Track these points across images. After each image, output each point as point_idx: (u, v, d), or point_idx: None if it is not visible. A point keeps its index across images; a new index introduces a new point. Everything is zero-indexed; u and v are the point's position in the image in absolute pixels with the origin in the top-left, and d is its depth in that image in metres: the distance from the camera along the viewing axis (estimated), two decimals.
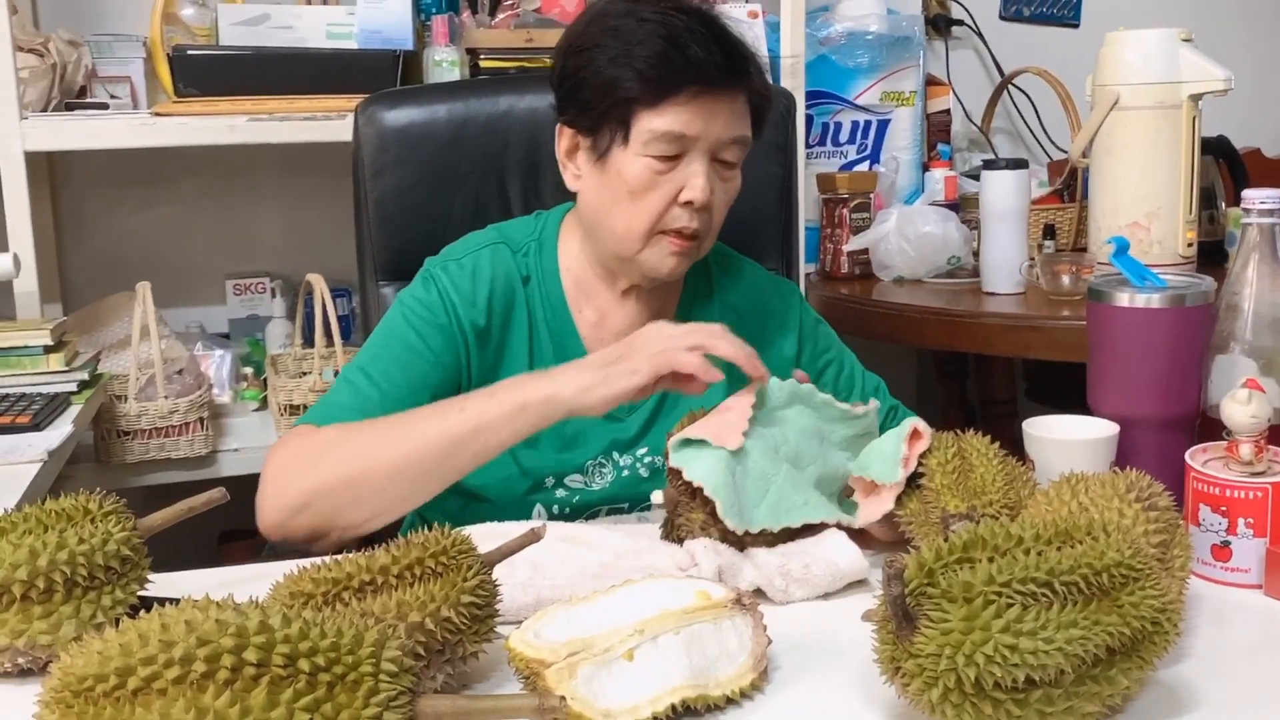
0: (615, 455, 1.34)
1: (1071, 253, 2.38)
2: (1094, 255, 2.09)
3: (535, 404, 1.14)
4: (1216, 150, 2.53)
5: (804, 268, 2.37)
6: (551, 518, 1.30)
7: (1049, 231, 2.42)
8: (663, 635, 0.84)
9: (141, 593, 0.94)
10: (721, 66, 1.23)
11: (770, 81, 1.33)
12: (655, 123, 1.22)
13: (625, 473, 1.34)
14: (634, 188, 1.24)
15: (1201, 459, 1.08)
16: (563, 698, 0.77)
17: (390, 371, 1.27)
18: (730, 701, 0.86)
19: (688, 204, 1.24)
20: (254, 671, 0.69)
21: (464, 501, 1.30)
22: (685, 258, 1.28)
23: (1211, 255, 2.26)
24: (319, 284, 2.13)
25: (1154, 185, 2.01)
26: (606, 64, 1.23)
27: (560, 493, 1.31)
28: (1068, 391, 2.07)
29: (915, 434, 1.09)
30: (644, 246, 1.27)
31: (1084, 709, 0.78)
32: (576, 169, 1.31)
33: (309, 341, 2.26)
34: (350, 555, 0.87)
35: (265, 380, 2.27)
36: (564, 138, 1.31)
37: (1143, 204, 2.02)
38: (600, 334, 1.36)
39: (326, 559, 0.88)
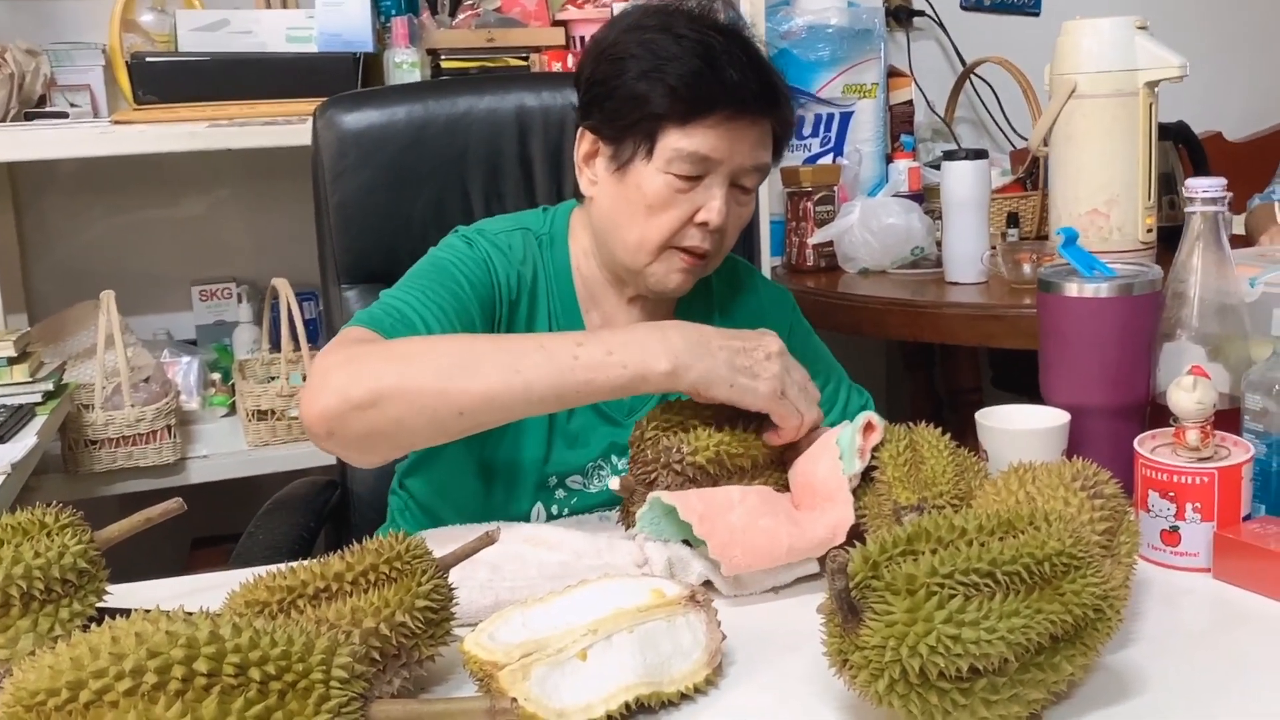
0: (614, 459, 1.34)
1: (1033, 241, 2.40)
2: (1055, 243, 2.10)
3: (655, 379, 1.09)
4: (1176, 135, 2.56)
5: (770, 261, 2.38)
6: (550, 519, 1.30)
7: (1012, 220, 2.44)
8: (616, 634, 0.85)
9: (100, 604, 0.94)
10: (755, 93, 1.22)
11: (794, 110, 1.33)
12: (682, 142, 1.22)
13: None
14: (652, 203, 1.24)
15: (1149, 445, 1.09)
16: (515, 700, 0.78)
17: (428, 299, 1.21)
18: (685, 697, 0.87)
19: (703, 225, 1.24)
20: (205, 681, 0.69)
21: (479, 483, 1.30)
22: (691, 275, 1.28)
23: (1172, 240, 2.26)
24: (284, 288, 2.13)
25: (1113, 172, 2.02)
26: (638, 76, 1.22)
27: (560, 493, 1.31)
28: (1033, 379, 2.10)
29: (869, 426, 1.10)
30: (654, 260, 1.26)
31: (1029, 696, 0.79)
32: (593, 174, 1.30)
33: (276, 346, 2.26)
34: (305, 563, 0.88)
35: (233, 386, 2.27)
36: (584, 142, 1.30)
37: (1102, 191, 2.03)
38: None
39: (281, 567, 0.89)
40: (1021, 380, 2.54)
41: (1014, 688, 0.78)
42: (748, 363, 1.11)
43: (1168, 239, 2.22)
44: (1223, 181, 1.14)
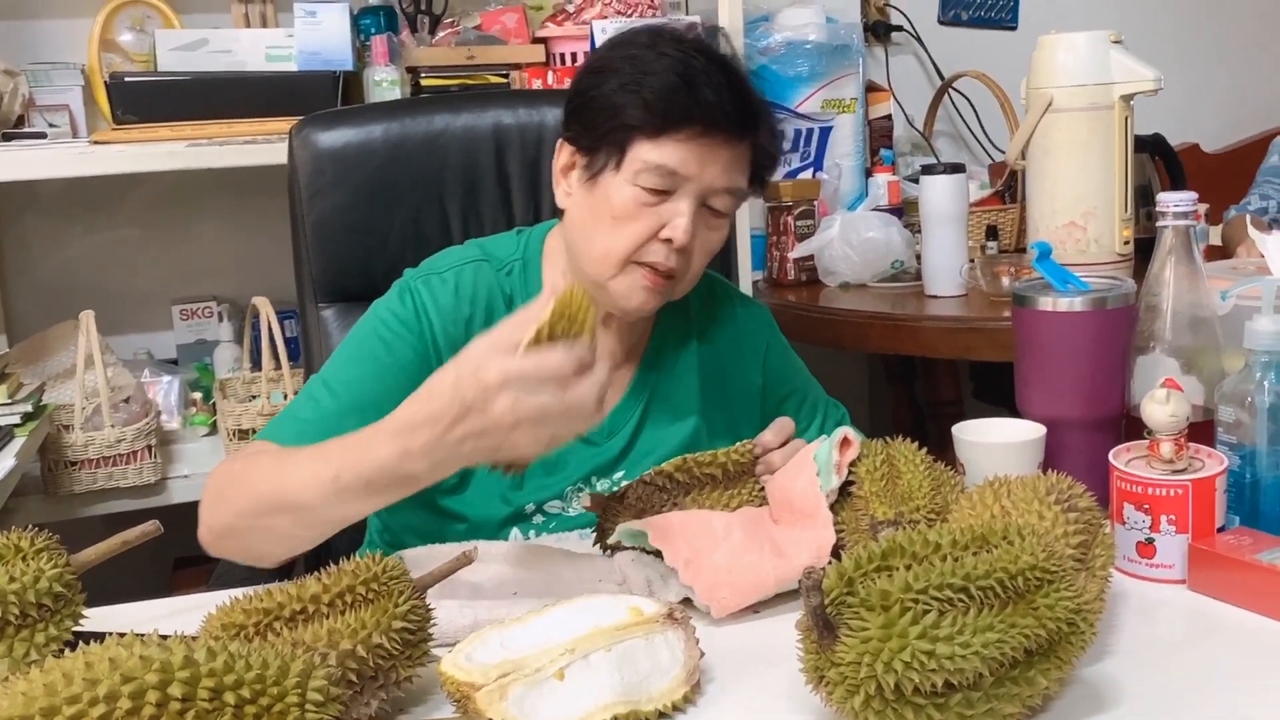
0: (594, 480, 1.33)
1: (1012, 254, 2.42)
2: (1032, 257, 2.11)
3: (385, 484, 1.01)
4: (1152, 148, 2.57)
5: (751, 275, 2.39)
6: None
7: (991, 233, 2.45)
8: (594, 653, 0.85)
9: (77, 629, 0.94)
10: (729, 114, 1.22)
11: (781, 144, 1.33)
12: (650, 154, 1.22)
13: None
14: (618, 213, 1.24)
15: (1124, 458, 1.10)
16: None
17: (353, 384, 1.23)
18: (663, 716, 0.87)
19: (668, 241, 1.23)
20: (179, 706, 0.69)
21: (441, 522, 1.29)
22: (656, 294, 1.27)
23: (1149, 252, 2.28)
24: (265, 307, 2.13)
25: (1089, 185, 2.04)
26: (616, 88, 1.23)
27: (538, 519, 1.31)
28: (1012, 391, 2.11)
29: (845, 442, 1.10)
30: (618, 274, 1.26)
31: (1004, 710, 0.80)
32: (568, 186, 1.30)
33: (258, 365, 2.25)
34: (281, 585, 0.88)
35: (214, 405, 2.27)
36: (563, 153, 1.31)
37: (1079, 204, 2.05)
38: None
39: (259, 589, 0.89)
40: (1003, 392, 2.54)
41: (989, 702, 0.79)
42: (460, 411, 0.97)
43: (1145, 250, 2.22)
44: (1193, 196, 1.15)
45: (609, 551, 1.11)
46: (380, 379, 1.24)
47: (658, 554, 1.06)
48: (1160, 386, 1.07)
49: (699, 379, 1.39)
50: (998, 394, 2.61)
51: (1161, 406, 1.06)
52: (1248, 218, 2.20)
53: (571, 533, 1.28)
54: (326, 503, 1.02)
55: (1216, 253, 2.26)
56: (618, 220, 1.24)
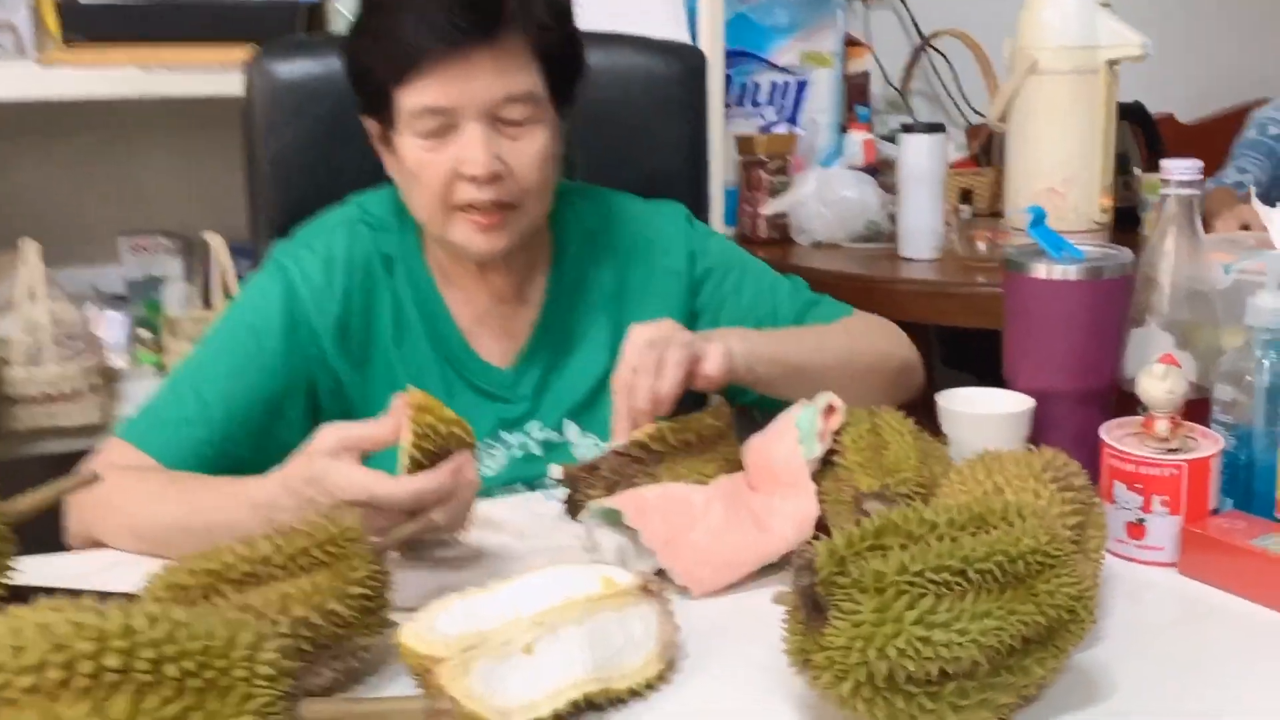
0: (504, 435, 1.28)
1: (988, 217, 2.38)
2: (1010, 221, 2.08)
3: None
4: (1131, 116, 2.54)
5: (724, 230, 2.33)
6: None
7: (965, 197, 2.41)
8: (564, 626, 0.80)
9: (7, 581, 0.87)
10: (459, 24, 1.12)
11: (568, 13, 1.22)
12: (408, 101, 1.15)
13: (518, 452, 1.28)
14: (413, 169, 1.17)
15: (1116, 435, 1.06)
16: (454, 699, 0.73)
17: (218, 381, 1.19)
18: (635, 694, 0.82)
19: (472, 179, 1.16)
20: (115, 678, 0.63)
21: None
22: (498, 232, 1.18)
23: (1125, 221, 2.26)
24: (217, 243, 2.05)
25: (1070, 151, 1.99)
26: (364, 49, 1.18)
27: None
28: (984, 358, 2.07)
29: (830, 409, 1.05)
30: (447, 224, 1.19)
31: (998, 700, 0.76)
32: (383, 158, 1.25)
33: (209, 303, 2.17)
34: (230, 544, 0.82)
35: (163, 344, 2.19)
36: (367, 125, 1.24)
37: (1059, 170, 2.01)
38: (472, 311, 1.29)
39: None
40: (973, 359, 2.52)
41: (983, 692, 0.75)
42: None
43: (1122, 220, 2.20)
44: (1199, 164, 1.11)
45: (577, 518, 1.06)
46: (246, 374, 1.20)
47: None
48: (1158, 361, 1.03)
49: (610, 305, 1.32)
50: (967, 361, 2.58)
51: (1159, 382, 1.02)
52: (1249, 192, 2.16)
53: (535, 493, 1.22)
54: (195, 546, 0.95)
55: None
56: (417, 176, 1.18)
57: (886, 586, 0.73)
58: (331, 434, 0.95)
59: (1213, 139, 2.86)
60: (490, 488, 1.25)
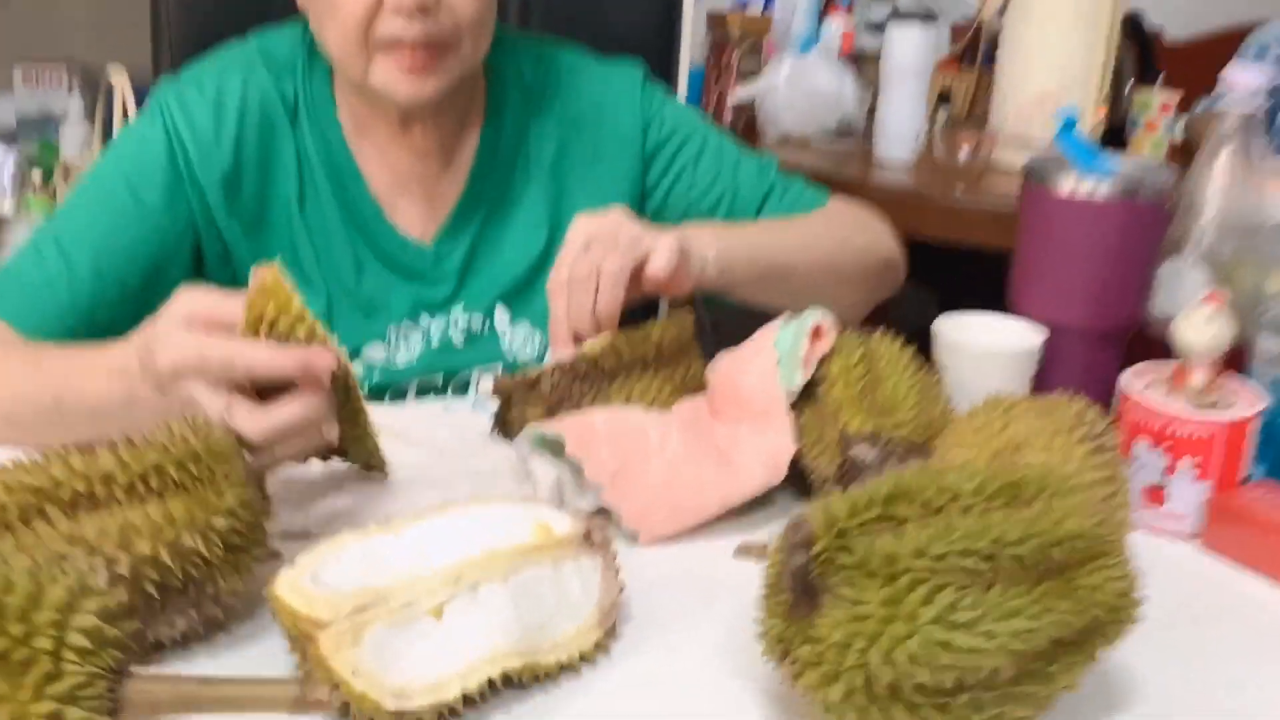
0: (423, 319, 1.11)
1: (969, 119, 2.21)
2: (997, 128, 1.92)
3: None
4: (1125, 29, 2.38)
5: None
6: None
7: (942, 98, 2.24)
8: (485, 584, 0.64)
9: None
10: None
11: None
12: None
13: (435, 341, 1.11)
14: None
15: (1140, 383, 0.91)
16: (337, 679, 0.56)
17: (87, 240, 1.03)
18: (566, 669, 0.67)
19: (398, 7, 0.98)
20: None
21: None
22: (427, 76, 1.02)
23: (1112, 138, 2.12)
24: (121, 79, 1.82)
25: (1069, 57, 1.85)
26: None
27: (356, 369, 1.06)
28: (951, 275, 1.92)
29: (818, 331, 0.89)
30: (367, 64, 1.01)
31: (1013, 714, 0.61)
32: None
33: None
34: (63, 452, 0.64)
35: (55, 189, 1.98)
36: None
37: (1054, 76, 1.86)
38: (388, 173, 1.11)
39: (35, 457, 0.65)
40: (938, 276, 2.38)
41: (1001, 704, 0.60)
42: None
43: (1108, 140, 2.06)
44: (1268, 74, 0.94)
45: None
46: (121, 231, 1.03)
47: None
48: (1204, 301, 0.88)
49: (550, 174, 1.15)
50: (935, 279, 2.43)
51: (1204, 326, 0.87)
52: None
53: (459, 401, 1.05)
54: (50, 426, 0.85)
55: (1179, 150, 2.11)
56: (333, 3, 1.00)
57: (899, 573, 0.57)
58: (187, 299, 0.77)
59: (1203, 61, 2.71)
60: (401, 381, 1.09)
